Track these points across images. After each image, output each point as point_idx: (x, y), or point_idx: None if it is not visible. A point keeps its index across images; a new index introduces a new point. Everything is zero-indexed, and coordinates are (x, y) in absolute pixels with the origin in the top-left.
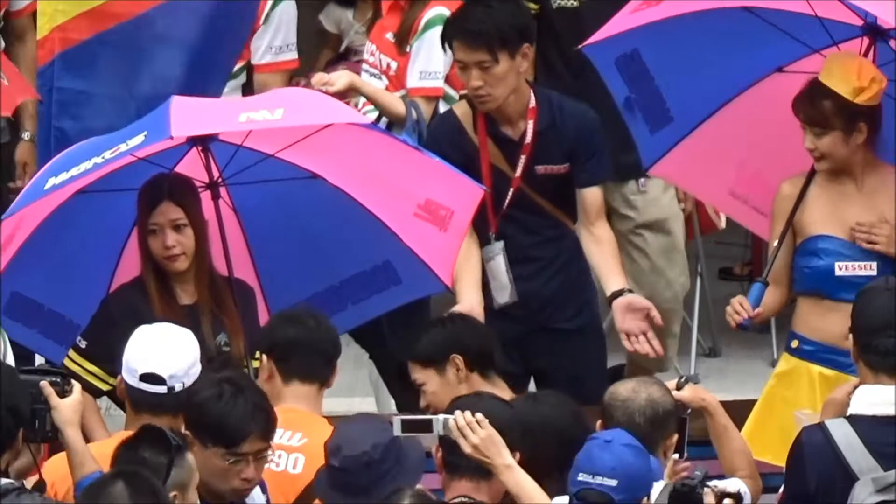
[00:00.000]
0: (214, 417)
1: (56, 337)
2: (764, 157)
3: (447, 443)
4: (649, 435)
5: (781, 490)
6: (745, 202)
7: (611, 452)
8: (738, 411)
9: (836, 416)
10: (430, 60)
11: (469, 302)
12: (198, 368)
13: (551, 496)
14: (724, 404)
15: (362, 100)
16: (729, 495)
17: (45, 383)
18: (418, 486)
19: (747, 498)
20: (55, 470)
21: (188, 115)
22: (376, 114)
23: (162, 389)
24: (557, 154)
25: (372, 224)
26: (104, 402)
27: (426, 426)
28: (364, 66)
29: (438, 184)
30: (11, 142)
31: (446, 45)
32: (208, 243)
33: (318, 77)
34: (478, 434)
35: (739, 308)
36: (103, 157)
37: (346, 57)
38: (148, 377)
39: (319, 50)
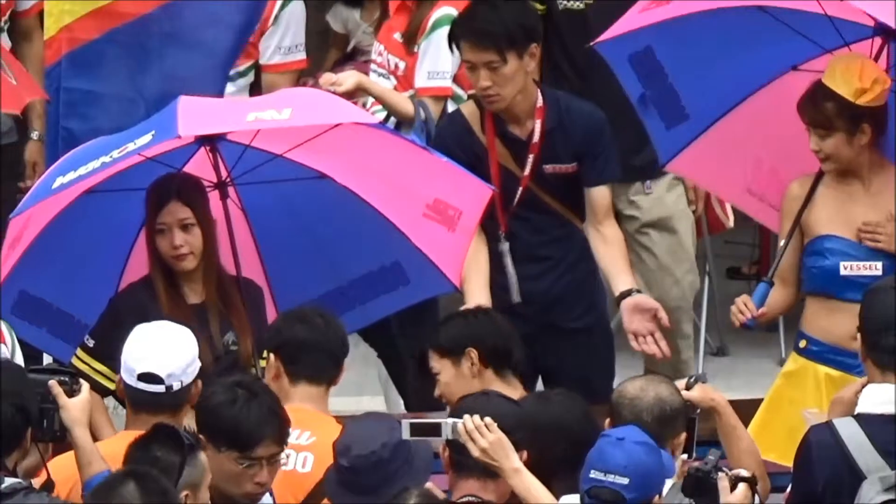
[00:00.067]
0: (229, 422)
1: (64, 336)
2: (780, 155)
3: (454, 442)
4: (657, 433)
5: (789, 489)
6: (761, 199)
7: (623, 450)
8: (746, 410)
9: (843, 415)
10: (438, 60)
11: (476, 303)
12: (196, 367)
13: (561, 495)
14: (732, 403)
15: (370, 100)
16: (743, 479)
17: (53, 382)
18: (428, 485)
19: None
20: (59, 469)
21: (196, 115)
22: (385, 114)
23: (160, 388)
24: (565, 153)
25: (380, 224)
26: (111, 400)
27: (435, 430)
28: (372, 66)
29: (447, 184)
30: (19, 141)
31: (453, 46)
32: (216, 243)
33: (326, 77)
34: (486, 438)
35: (743, 308)
36: (111, 157)
37: (353, 57)
38: (145, 376)
39: (326, 50)
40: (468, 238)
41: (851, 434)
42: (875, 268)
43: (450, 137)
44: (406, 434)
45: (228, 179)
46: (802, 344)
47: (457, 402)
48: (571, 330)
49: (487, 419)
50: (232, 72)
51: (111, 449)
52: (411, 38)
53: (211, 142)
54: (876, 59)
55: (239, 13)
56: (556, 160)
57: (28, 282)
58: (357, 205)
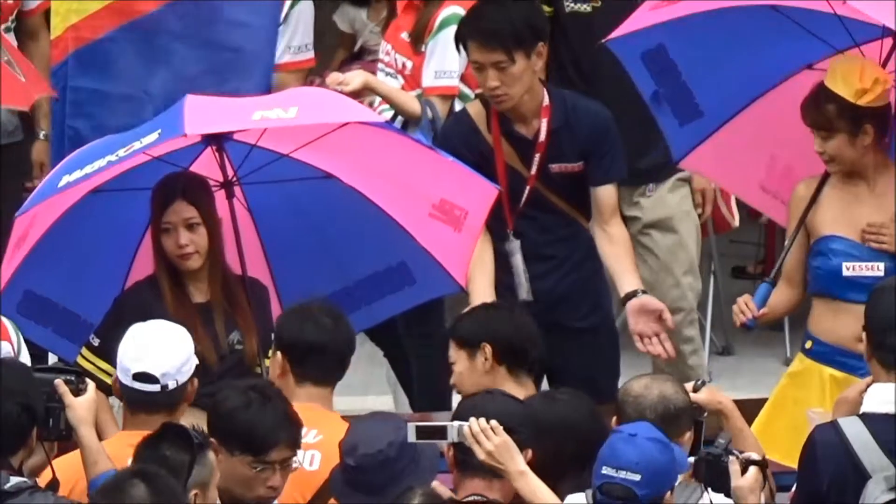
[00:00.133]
0: (243, 426)
1: (69, 335)
2: (794, 153)
3: (460, 443)
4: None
5: (794, 489)
6: (775, 197)
7: (635, 446)
8: (751, 410)
9: (848, 414)
10: (445, 59)
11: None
12: (191, 365)
13: (567, 494)
14: (737, 403)
15: (378, 99)
16: (754, 462)
17: (59, 382)
18: (435, 483)
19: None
20: (64, 468)
21: (202, 114)
22: (391, 113)
23: (155, 388)
24: (571, 152)
25: (386, 224)
26: (116, 400)
27: (441, 433)
28: (379, 65)
29: (453, 184)
30: (25, 140)
31: (460, 46)
32: (222, 242)
33: (333, 77)
34: (492, 441)
35: (744, 308)
36: (117, 155)
37: (360, 56)
38: (141, 376)
39: (334, 49)
40: (474, 238)
41: (856, 433)
42: (877, 269)
43: (456, 137)
44: (412, 437)
45: (234, 179)
46: (808, 345)
47: (460, 401)
48: (577, 329)
49: (493, 422)
50: None
51: (109, 450)
52: (418, 38)
53: (217, 141)
54: (886, 59)
55: (252, 13)
56: (562, 159)
57: (34, 281)
58: (363, 205)
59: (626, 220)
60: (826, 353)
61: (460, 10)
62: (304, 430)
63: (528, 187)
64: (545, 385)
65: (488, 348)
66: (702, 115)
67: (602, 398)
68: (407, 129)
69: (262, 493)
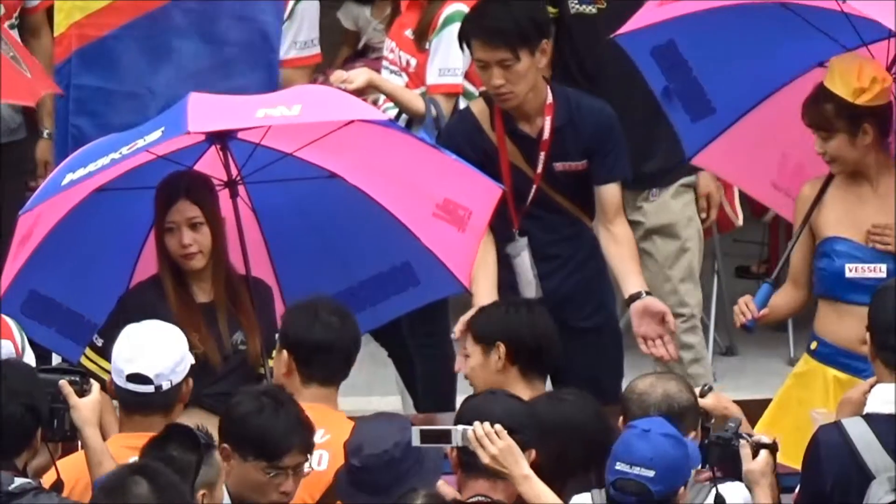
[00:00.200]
0: (256, 431)
1: (73, 336)
2: (805, 152)
3: None
4: None
5: (797, 489)
6: (787, 195)
7: (649, 442)
8: (755, 410)
9: (851, 415)
10: (448, 57)
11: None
12: (185, 366)
13: (573, 495)
14: (741, 403)
15: (382, 97)
16: (764, 445)
17: (64, 382)
18: (441, 482)
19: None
20: (67, 469)
21: (205, 111)
22: (396, 111)
23: (149, 389)
24: (575, 150)
25: (391, 224)
26: None
27: (445, 437)
28: (384, 62)
29: (457, 183)
30: (28, 138)
31: (464, 45)
32: (225, 241)
33: (337, 74)
34: (496, 444)
35: (744, 309)
36: (121, 153)
37: (363, 54)
38: (134, 377)
39: (337, 47)
40: (478, 238)
41: (860, 434)
42: (879, 270)
43: (459, 135)
44: (416, 441)
45: (238, 178)
46: (813, 345)
47: (463, 401)
48: (581, 329)
49: (497, 426)
50: None
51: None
52: (422, 35)
53: (221, 140)
54: (894, 59)
55: (255, 7)
56: (566, 157)
57: (38, 281)
58: (367, 205)
59: (630, 225)
60: (830, 355)
61: (464, 8)
62: None
63: (534, 186)
64: (548, 385)
65: (503, 348)
66: (714, 112)
67: (605, 398)
68: (411, 127)
69: (274, 498)
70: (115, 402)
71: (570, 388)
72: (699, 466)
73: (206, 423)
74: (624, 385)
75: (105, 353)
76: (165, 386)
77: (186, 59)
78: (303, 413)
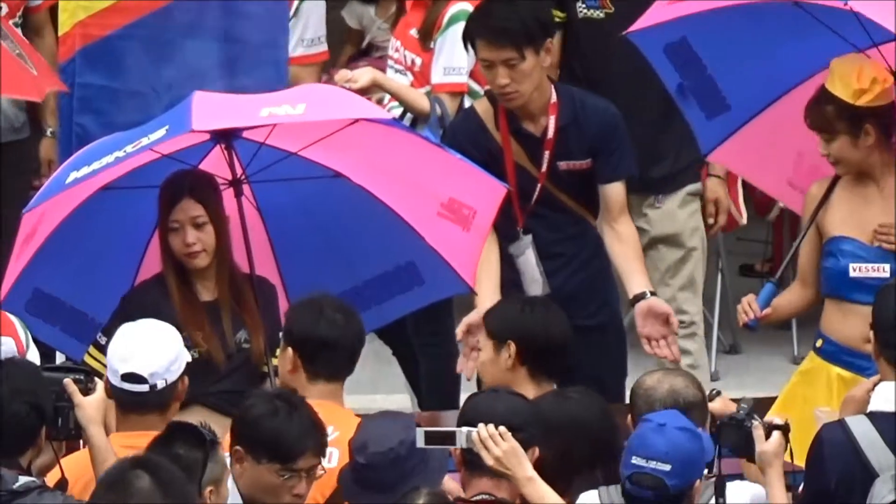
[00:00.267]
0: (271, 434)
1: (77, 334)
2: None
3: None
4: None
5: (801, 487)
6: (802, 192)
7: (664, 436)
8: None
9: (855, 413)
10: (453, 56)
11: (488, 306)
12: (180, 364)
13: (579, 493)
14: None
15: (387, 96)
16: (777, 427)
17: (68, 381)
18: (448, 479)
19: None
20: (71, 467)
21: (209, 110)
22: (401, 110)
23: (144, 388)
24: (579, 149)
25: (395, 224)
26: None
27: (449, 438)
28: (389, 62)
29: (462, 182)
30: (32, 137)
31: (468, 45)
32: (229, 240)
33: (342, 74)
34: (500, 446)
35: (747, 308)
36: (125, 152)
37: (367, 53)
38: (129, 377)
39: (341, 46)
40: (482, 238)
41: (864, 432)
42: (883, 270)
43: (463, 135)
44: (421, 442)
45: (243, 177)
46: (818, 343)
47: (467, 399)
48: (584, 328)
49: (502, 428)
50: None
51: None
52: (427, 34)
53: (226, 139)
54: None
55: (260, 3)
56: (571, 156)
57: (42, 279)
58: (372, 204)
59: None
60: (834, 353)
61: (468, 7)
62: None
63: (538, 185)
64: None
65: (513, 347)
66: (729, 109)
67: (609, 396)
68: (416, 126)
69: (287, 500)
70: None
71: (576, 387)
72: (703, 478)
73: (209, 421)
74: (629, 383)
75: None
76: (160, 385)
77: (191, 58)
78: (316, 416)
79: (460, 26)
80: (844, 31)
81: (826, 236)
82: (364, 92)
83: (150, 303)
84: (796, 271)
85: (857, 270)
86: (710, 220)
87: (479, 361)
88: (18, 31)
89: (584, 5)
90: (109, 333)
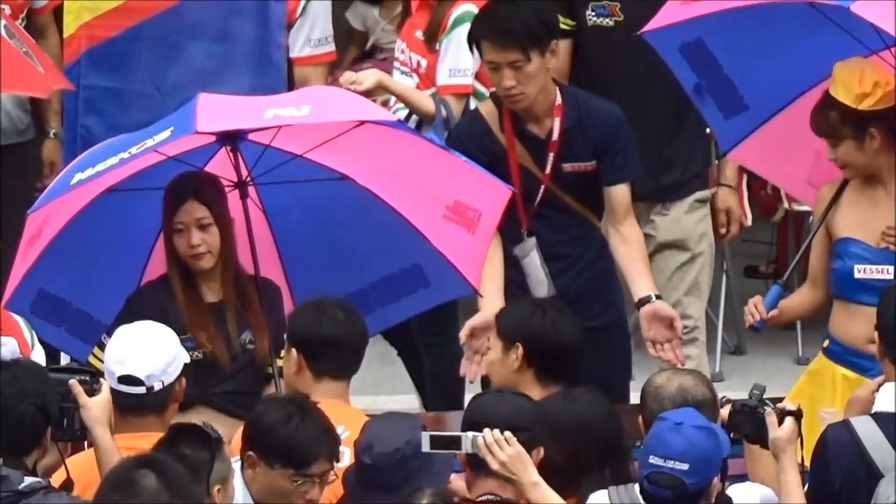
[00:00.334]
0: (284, 440)
1: (82, 335)
2: None
3: None
4: None
5: (806, 487)
6: None
7: (682, 435)
8: None
9: (860, 414)
10: (458, 58)
11: (491, 310)
12: (177, 366)
13: (589, 493)
14: None
15: (393, 98)
16: (790, 412)
17: (74, 382)
18: (455, 477)
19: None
20: (76, 467)
21: (214, 111)
22: (406, 112)
23: (141, 390)
24: (584, 151)
25: (401, 226)
26: None
27: (455, 443)
28: (395, 63)
29: (467, 185)
30: (37, 139)
31: (473, 47)
32: (234, 242)
33: (347, 76)
34: (505, 451)
35: (753, 310)
36: (129, 153)
37: (371, 54)
38: (125, 379)
39: (345, 47)
40: (488, 240)
41: (868, 432)
42: (887, 271)
43: (467, 137)
44: (426, 447)
45: (249, 179)
46: (826, 344)
47: (471, 399)
48: (589, 328)
49: (507, 433)
50: None
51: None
52: (432, 36)
53: (231, 141)
54: None
55: (263, 8)
56: (575, 158)
57: (47, 280)
58: (377, 207)
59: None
60: (840, 353)
61: (473, 8)
62: None
63: (542, 187)
64: None
65: (521, 349)
66: (747, 109)
67: (613, 397)
68: (421, 128)
69: None
70: None
71: (582, 387)
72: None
73: (214, 421)
74: (636, 384)
75: None
76: (157, 387)
77: (196, 59)
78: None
79: (465, 28)
80: (857, 32)
81: (835, 238)
82: (369, 94)
83: (155, 304)
84: (802, 273)
85: (862, 272)
86: (723, 230)
87: (488, 361)
88: None
89: (593, 13)
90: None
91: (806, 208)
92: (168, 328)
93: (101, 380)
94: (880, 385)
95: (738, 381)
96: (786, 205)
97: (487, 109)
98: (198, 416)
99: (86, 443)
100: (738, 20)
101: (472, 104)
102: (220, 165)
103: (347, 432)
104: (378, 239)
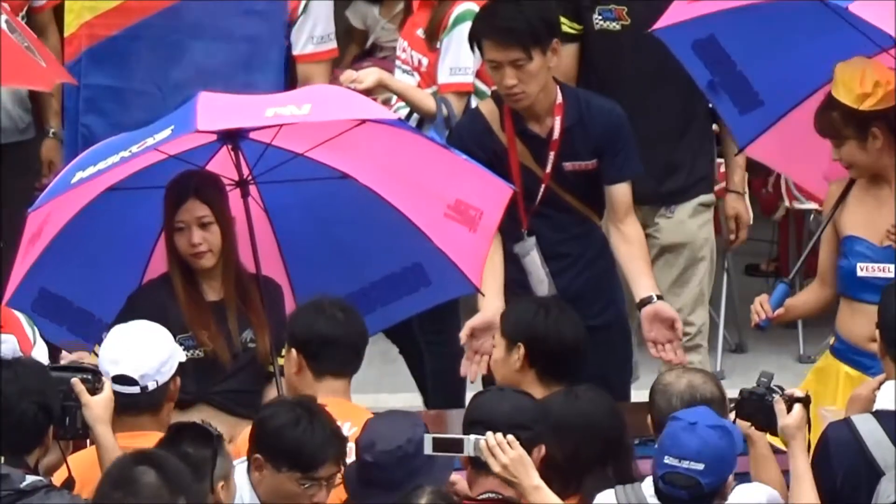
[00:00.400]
0: (292, 443)
1: (84, 334)
2: None
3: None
4: None
5: None
6: None
7: (696, 435)
8: None
9: (861, 412)
10: (459, 56)
11: (491, 310)
12: (172, 365)
13: (591, 492)
14: None
15: (395, 97)
16: (798, 399)
17: (76, 380)
18: (458, 476)
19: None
20: (76, 465)
21: (214, 110)
22: (407, 110)
23: (135, 390)
24: (585, 150)
25: (402, 225)
26: None
27: (457, 446)
28: (397, 62)
29: (468, 183)
30: (37, 138)
31: (474, 45)
32: (235, 240)
33: (347, 74)
34: (507, 455)
35: (759, 309)
36: (130, 152)
37: (371, 53)
38: (119, 378)
39: (345, 46)
40: (489, 239)
41: (870, 430)
42: (888, 270)
43: (468, 136)
44: (428, 449)
45: (250, 178)
46: (832, 341)
47: (473, 397)
48: (590, 327)
49: (510, 436)
50: None
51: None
52: (433, 34)
53: (232, 140)
54: None
55: (265, 5)
56: (576, 157)
57: (48, 279)
58: (379, 205)
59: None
60: (844, 351)
61: (474, 7)
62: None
63: (542, 186)
64: None
65: (522, 349)
66: (762, 104)
67: (614, 395)
68: (422, 126)
69: None
70: None
71: (585, 385)
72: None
73: (215, 420)
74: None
75: None
76: (151, 386)
77: (197, 58)
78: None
79: (466, 26)
80: (869, 29)
81: (841, 236)
82: (369, 92)
83: (156, 302)
84: (804, 271)
85: (864, 270)
86: (732, 236)
87: (492, 359)
88: None
89: (600, 17)
90: None
91: (807, 206)
92: (162, 327)
93: (104, 378)
94: (881, 383)
95: (739, 380)
96: (786, 203)
97: (488, 108)
98: (199, 415)
99: (88, 441)
100: (750, 17)
101: (473, 102)
102: (222, 164)
103: (354, 429)
104: (379, 237)
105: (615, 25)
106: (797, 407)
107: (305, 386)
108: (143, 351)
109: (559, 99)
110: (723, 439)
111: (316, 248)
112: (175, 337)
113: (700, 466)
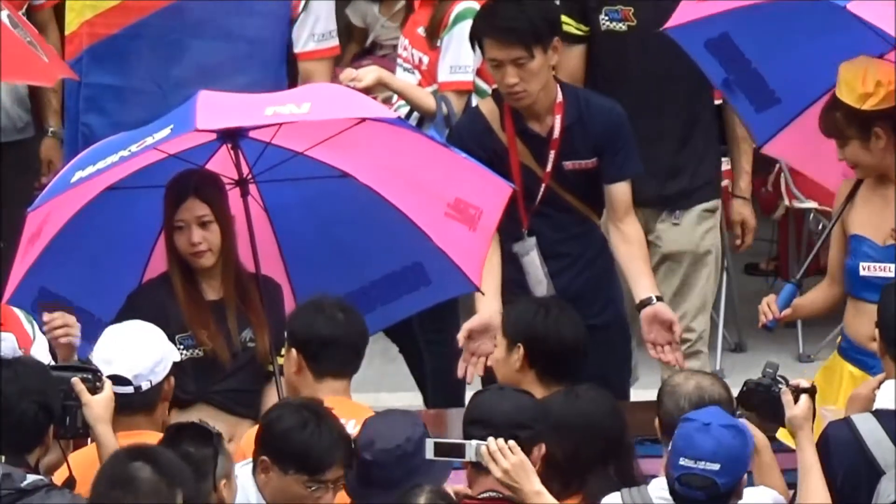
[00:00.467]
0: (300, 446)
1: (83, 333)
2: None
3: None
4: None
5: None
6: None
7: (711, 436)
8: None
9: (861, 411)
10: (460, 54)
11: (488, 311)
12: (166, 365)
13: (593, 491)
14: None
15: (395, 95)
16: (804, 390)
17: (76, 380)
18: (457, 482)
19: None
20: (77, 463)
21: (214, 109)
22: (407, 108)
23: (129, 390)
24: (585, 149)
25: (402, 224)
26: None
27: (458, 450)
28: (398, 60)
29: (468, 182)
30: (36, 137)
31: (475, 44)
32: (234, 240)
33: (347, 73)
34: (508, 460)
35: (766, 309)
36: (129, 151)
37: (371, 51)
38: (113, 379)
39: (345, 44)
40: (488, 237)
41: (870, 430)
42: (888, 269)
43: (468, 135)
44: (430, 454)
45: (250, 177)
46: (838, 340)
47: (473, 396)
48: (589, 327)
49: (511, 442)
50: None
51: (93, 456)
52: (433, 33)
53: (232, 139)
54: None
55: (266, 5)
56: (576, 156)
57: (48, 278)
58: (379, 204)
59: (647, 247)
60: (848, 350)
61: (475, 5)
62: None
63: (543, 185)
64: None
65: (521, 350)
66: (779, 102)
67: (614, 394)
68: (422, 125)
69: None
70: None
71: (585, 385)
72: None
73: (214, 419)
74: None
75: None
76: (145, 386)
77: (198, 57)
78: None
79: (466, 24)
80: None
81: (848, 235)
82: (369, 91)
83: (155, 302)
84: (805, 270)
85: (866, 269)
86: (738, 242)
87: (493, 359)
88: None
89: (606, 18)
90: None
91: (806, 205)
92: (156, 327)
93: (104, 378)
94: (881, 382)
95: (738, 379)
96: (786, 202)
97: (488, 107)
98: (198, 414)
99: (88, 440)
100: (762, 16)
101: (474, 101)
102: (221, 163)
103: (358, 427)
104: (379, 236)
105: (621, 26)
106: (804, 397)
107: (305, 386)
108: (136, 351)
109: (559, 97)
110: (736, 438)
111: (316, 246)
112: (174, 336)
113: (716, 467)
